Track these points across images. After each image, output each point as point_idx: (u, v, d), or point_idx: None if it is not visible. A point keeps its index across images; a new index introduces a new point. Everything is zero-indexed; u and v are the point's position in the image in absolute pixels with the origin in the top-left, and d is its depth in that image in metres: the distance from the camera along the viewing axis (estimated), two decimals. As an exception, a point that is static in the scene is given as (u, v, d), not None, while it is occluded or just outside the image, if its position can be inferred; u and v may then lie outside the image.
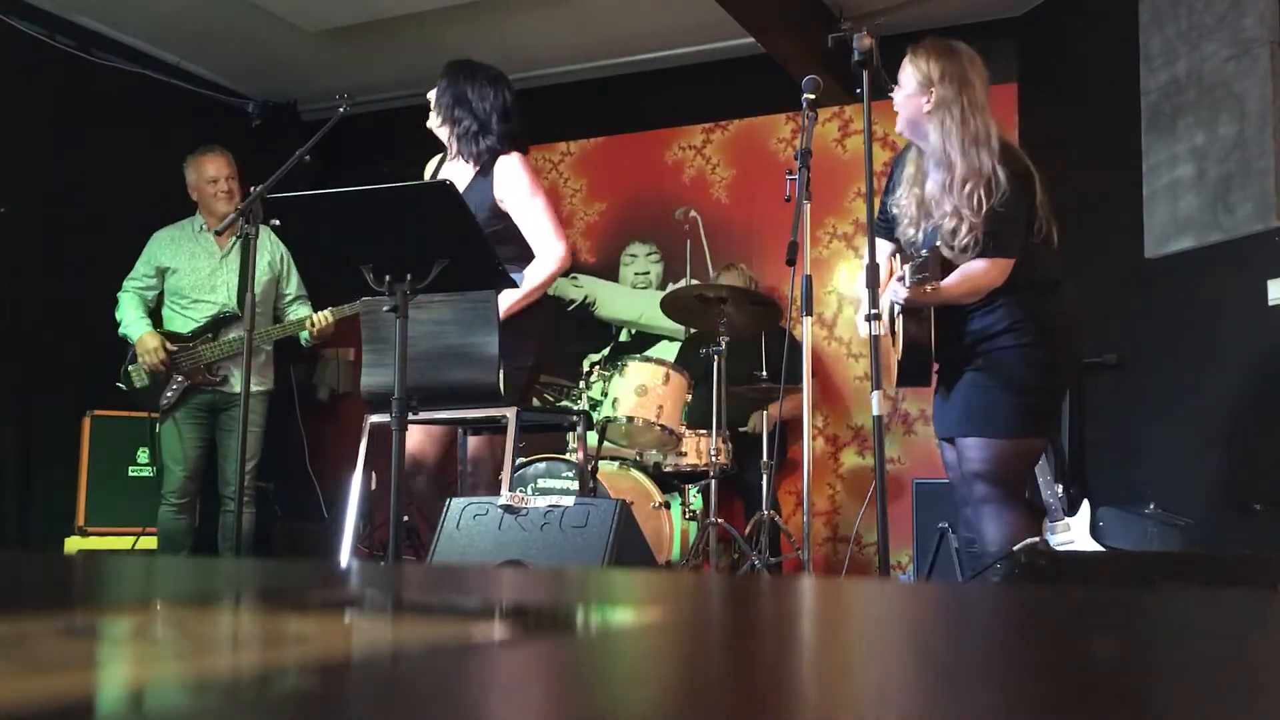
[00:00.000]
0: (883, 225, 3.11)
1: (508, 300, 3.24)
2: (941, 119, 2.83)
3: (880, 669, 0.57)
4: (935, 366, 3.08)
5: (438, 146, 3.58)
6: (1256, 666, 0.57)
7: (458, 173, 3.41)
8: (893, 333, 3.07)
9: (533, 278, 3.33)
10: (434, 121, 3.48)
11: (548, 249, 3.35)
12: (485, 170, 3.39)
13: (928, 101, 2.85)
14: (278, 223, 2.84)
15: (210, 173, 4.37)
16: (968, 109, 2.82)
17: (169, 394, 4.23)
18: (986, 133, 2.82)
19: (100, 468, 4.66)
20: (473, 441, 3.49)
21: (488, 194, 3.35)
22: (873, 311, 2.68)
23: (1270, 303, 3.72)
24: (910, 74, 2.90)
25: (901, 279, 2.79)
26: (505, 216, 3.35)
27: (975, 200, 2.76)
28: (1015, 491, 2.93)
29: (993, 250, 2.78)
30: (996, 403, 2.86)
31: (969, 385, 2.91)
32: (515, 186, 3.36)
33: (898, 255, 3.09)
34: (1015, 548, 2.74)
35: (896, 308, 2.96)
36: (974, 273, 2.81)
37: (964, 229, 2.77)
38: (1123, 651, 0.61)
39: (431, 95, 3.50)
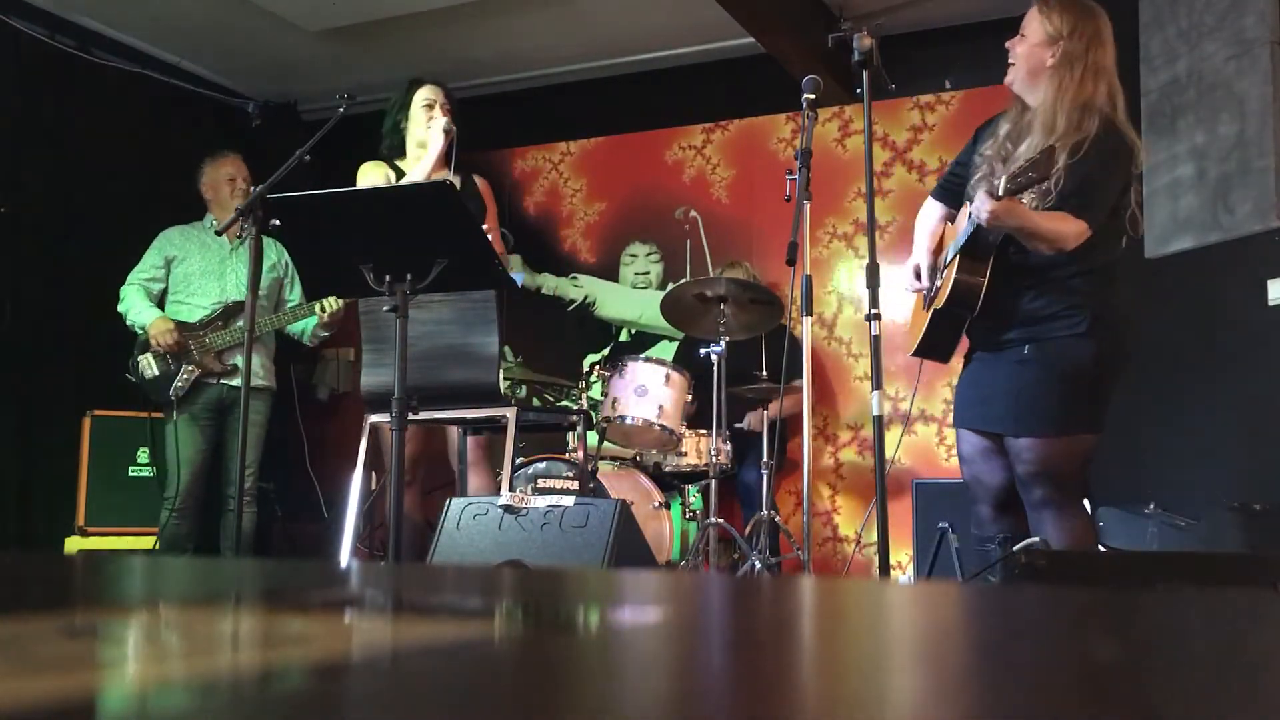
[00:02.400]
0: (954, 182, 2.97)
1: None
2: (1061, 77, 2.71)
3: (880, 669, 0.57)
4: (963, 346, 2.97)
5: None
6: (1256, 666, 0.57)
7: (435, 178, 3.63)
8: (927, 296, 2.96)
9: None
10: (446, 125, 3.54)
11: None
12: (466, 179, 3.65)
13: (1052, 56, 2.73)
14: (278, 223, 2.85)
15: (228, 171, 4.53)
16: (1089, 71, 2.70)
17: (179, 384, 4.24)
18: (1100, 98, 2.71)
19: (100, 468, 4.66)
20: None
21: (480, 198, 3.63)
22: (873, 312, 2.67)
23: (1270, 303, 3.72)
24: (1038, 25, 2.77)
25: (990, 192, 2.56)
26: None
27: (1061, 161, 2.61)
28: (1075, 492, 2.78)
29: (1075, 208, 2.63)
30: (1048, 399, 2.71)
31: (1015, 379, 2.74)
32: (491, 200, 3.69)
33: (950, 223, 2.98)
34: (1015, 548, 2.73)
35: (949, 253, 2.85)
36: (1058, 217, 2.63)
37: (1046, 189, 2.62)
38: (1123, 651, 0.61)
39: (439, 98, 3.56)
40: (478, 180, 3.70)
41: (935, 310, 2.89)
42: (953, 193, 2.97)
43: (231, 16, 5.24)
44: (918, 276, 2.99)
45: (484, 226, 3.58)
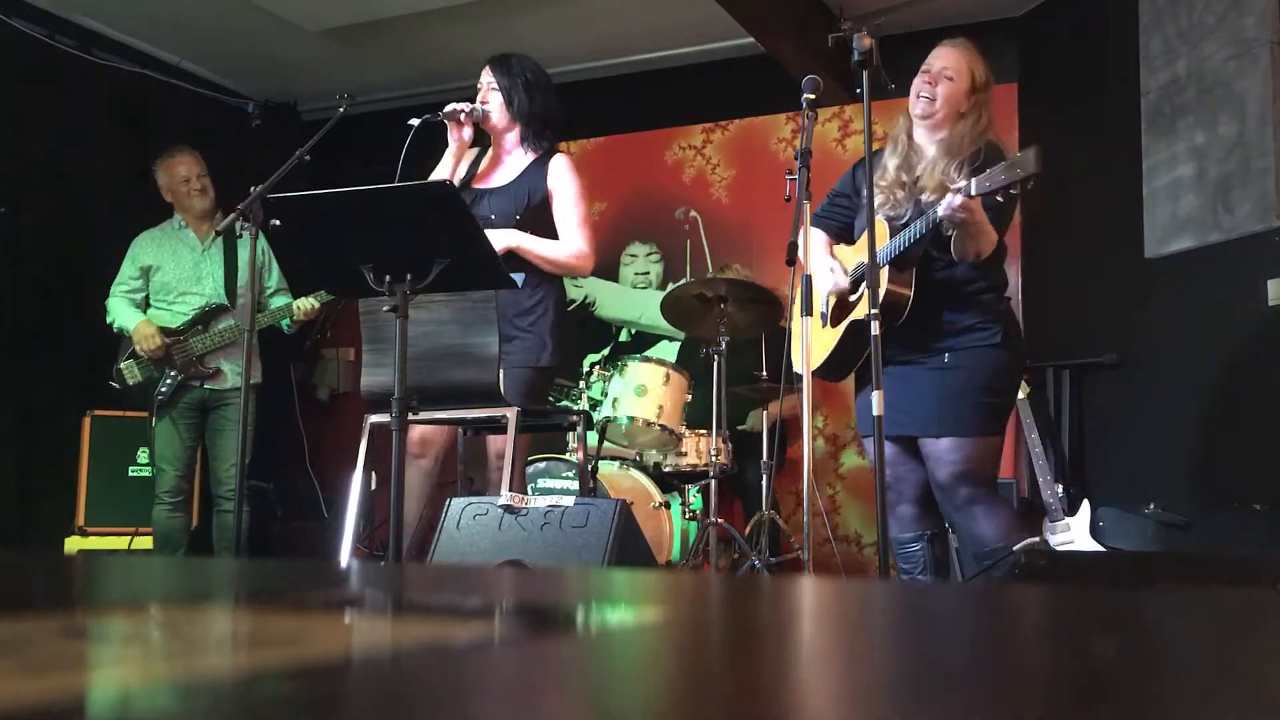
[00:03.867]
0: (836, 212, 3.18)
1: (536, 246, 3.34)
2: (977, 116, 2.98)
3: (879, 669, 0.57)
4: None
5: (435, 147, 3.57)
6: (1256, 666, 0.57)
7: (508, 161, 3.51)
8: (825, 315, 3.12)
9: (555, 250, 3.40)
10: (495, 109, 3.46)
11: (575, 239, 3.43)
12: (543, 160, 3.48)
13: (974, 101, 2.98)
14: (277, 223, 2.84)
15: (182, 173, 4.37)
16: (989, 108, 3.01)
17: (163, 390, 4.22)
18: (990, 129, 3.03)
19: (100, 468, 4.66)
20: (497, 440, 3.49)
21: (543, 182, 3.45)
22: (873, 311, 2.68)
23: (1270, 303, 3.72)
24: (964, 69, 2.99)
25: (959, 189, 2.71)
26: (548, 207, 3.44)
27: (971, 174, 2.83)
28: (994, 488, 3.03)
29: (991, 220, 2.85)
30: (968, 403, 2.92)
31: (939, 384, 2.94)
32: (566, 180, 3.46)
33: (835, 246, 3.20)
34: (1015, 547, 2.74)
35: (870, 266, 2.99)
36: (990, 226, 2.87)
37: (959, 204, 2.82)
38: (1123, 651, 0.61)
39: (487, 82, 3.48)
40: (555, 160, 3.49)
41: (852, 322, 3.04)
42: (835, 221, 3.19)
43: (231, 16, 5.24)
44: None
45: (569, 205, 3.42)
